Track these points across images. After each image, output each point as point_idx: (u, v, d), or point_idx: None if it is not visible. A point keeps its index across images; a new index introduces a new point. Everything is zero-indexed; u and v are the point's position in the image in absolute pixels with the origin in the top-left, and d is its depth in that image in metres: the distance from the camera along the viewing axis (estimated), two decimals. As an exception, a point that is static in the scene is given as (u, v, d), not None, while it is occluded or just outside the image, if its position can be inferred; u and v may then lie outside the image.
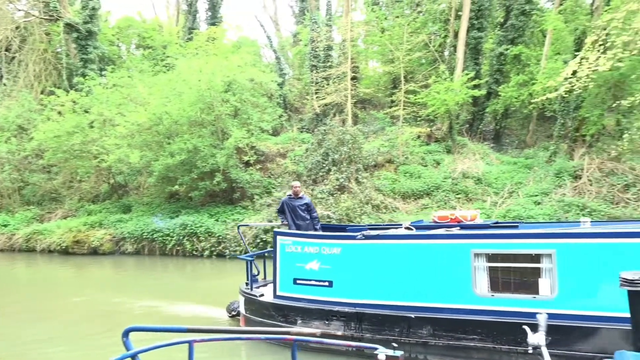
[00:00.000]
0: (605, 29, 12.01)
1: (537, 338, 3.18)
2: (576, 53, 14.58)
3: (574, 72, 13.18)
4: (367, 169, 18.95)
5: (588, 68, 11.77)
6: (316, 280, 7.42)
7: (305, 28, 28.28)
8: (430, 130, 21.89)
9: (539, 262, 6.15)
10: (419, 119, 21.31)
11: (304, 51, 27.53)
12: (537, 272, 6.17)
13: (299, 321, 7.49)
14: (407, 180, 18.58)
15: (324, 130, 19.08)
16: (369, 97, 26.42)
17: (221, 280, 13.73)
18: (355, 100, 23.68)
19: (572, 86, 13.35)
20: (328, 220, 15.38)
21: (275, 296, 7.78)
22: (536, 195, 16.04)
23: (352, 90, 22.65)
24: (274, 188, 19.45)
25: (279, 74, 25.94)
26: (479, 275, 6.43)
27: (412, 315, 6.64)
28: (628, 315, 3.13)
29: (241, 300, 8.57)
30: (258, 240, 16.34)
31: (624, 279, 2.97)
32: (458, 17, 22.24)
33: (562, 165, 16.88)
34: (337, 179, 17.49)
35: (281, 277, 7.76)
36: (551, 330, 5.84)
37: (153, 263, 17.70)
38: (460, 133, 21.76)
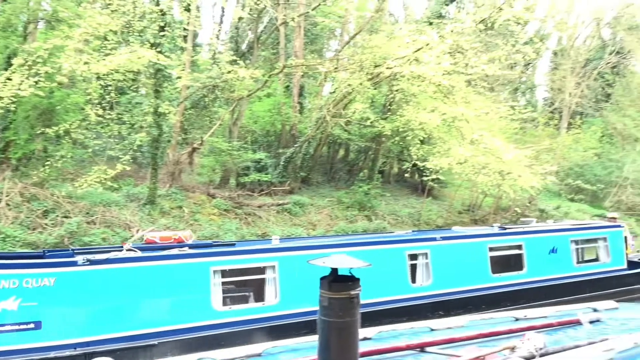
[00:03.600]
0: (33, 55, 12.12)
1: None
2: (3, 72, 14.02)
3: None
4: None
5: (10, 90, 11.45)
6: (13, 324, 5.64)
7: None
8: None
9: (264, 273, 7.04)
10: None
11: None
12: (264, 283, 7.00)
13: None
14: None
15: None
16: None
17: None
18: None
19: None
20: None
21: None
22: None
23: None
24: None
25: None
26: (216, 290, 6.65)
27: (156, 342, 6.15)
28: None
29: None
30: None
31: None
32: None
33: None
34: None
35: None
36: (276, 329, 6.36)
37: None
38: None
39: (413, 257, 8.47)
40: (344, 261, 1.74)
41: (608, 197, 32.58)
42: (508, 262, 9.70)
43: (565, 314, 3.24)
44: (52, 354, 5.76)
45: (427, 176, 19.44)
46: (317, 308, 7.03)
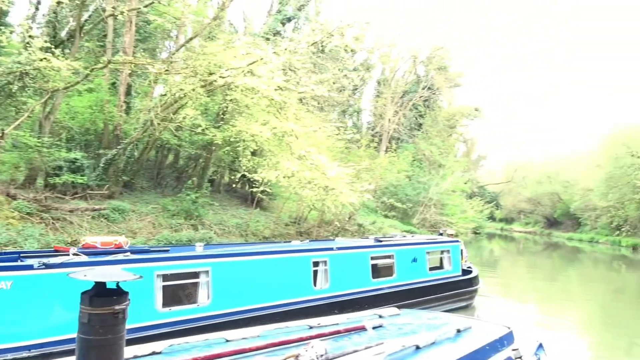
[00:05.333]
0: None
1: None
2: None
3: None
4: None
5: None
6: None
7: None
8: None
9: (198, 277, 7.68)
10: None
11: None
12: (196, 286, 7.66)
13: None
14: None
15: None
16: None
17: None
18: None
19: None
20: None
21: None
22: None
23: None
24: None
25: None
26: (157, 292, 7.11)
27: None
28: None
29: None
30: None
31: None
32: None
33: None
34: None
35: None
36: (209, 327, 6.61)
37: None
38: None
39: (315, 264, 9.70)
40: (111, 274, 1.60)
41: (416, 215, 36.78)
42: (383, 269, 11.31)
43: (354, 321, 3.49)
44: (9, 356, 5.81)
45: (256, 187, 19.73)
46: (246, 307, 7.54)
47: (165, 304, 7.30)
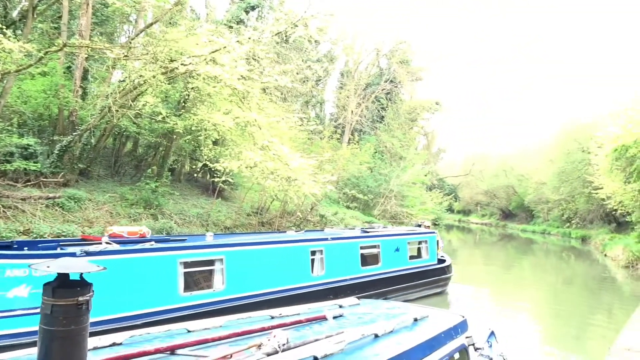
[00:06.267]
0: None
1: None
2: None
3: None
4: None
5: None
6: (24, 310, 6.11)
7: None
8: None
9: (214, 265, 8.43)
10: None
11: None
12: (212, 273, 8.39)
13: None
14: None
15: None
16: None
17: None
18: None
19: None
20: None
21: None
22: None
23: None
24: None
25: None
26: (180, 278, 7.84)
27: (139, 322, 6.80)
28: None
29: None
30: None
31: None
32: None
33: None
34: None
35: None
36: (225, 310, 7.33)
37: None
38: None
39: (312, 253, 10.45)
40: (74, 266, 1.59)
41: (377, 206, 37.27)
42: (370, 258, 12.13)
43: (315, 311, 3.55)
44: None
45: (218, 177, 19.51)
46: (255, 292, 8.88)
47: (186, 289, 7.97)
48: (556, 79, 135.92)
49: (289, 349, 2.48)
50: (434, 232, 14.85)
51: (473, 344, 3.63)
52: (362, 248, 11.84)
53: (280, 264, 9.62)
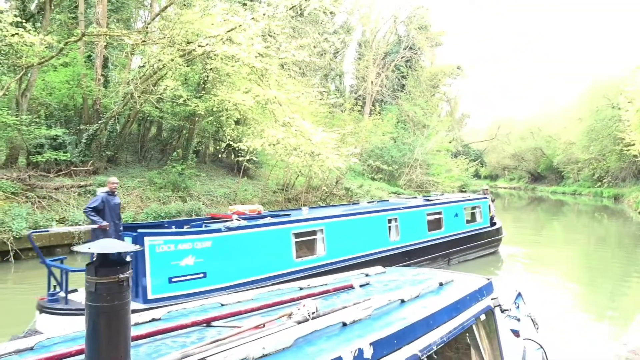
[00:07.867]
0: None
1: None
2: None
3: None
4: None
5: None
6: (192, 275, 7.68)
7: None
8: None
9: (316, 235, 9.75)
10: None
11: None
12: (315, 241, 9.75)
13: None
14: None
15: None
16: None
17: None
18: None
19: None
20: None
21: (147, 301, 7.19)
22: None
23: None
24: None
25: None
26: (293, 247, 9.15)
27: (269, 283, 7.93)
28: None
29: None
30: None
31: None
32: None
33: None
34: None
35: (153, 280, 7.34)
36: (327, 272, 8.07)
37: None
38: None
39: (389, 221, 11.60)
40: (113, 246, 1.69)
41: (402, 176, 37.10)
42: (434, 223, 13.14)
43: (342, 281, 3.64)
44: (215, 294, 7.21)
45: (242, 156, 19.69)
46: (349, 257, 10.50)
47: (297, 256, 9.31)
48: (558, 78, 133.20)
49: (318, 316, 2.56)
50: (486, 197, 15.85)
51: (499, 305, 3.67)
52: (428, 215, 12.90)
53: (365, 232, 10.93)
